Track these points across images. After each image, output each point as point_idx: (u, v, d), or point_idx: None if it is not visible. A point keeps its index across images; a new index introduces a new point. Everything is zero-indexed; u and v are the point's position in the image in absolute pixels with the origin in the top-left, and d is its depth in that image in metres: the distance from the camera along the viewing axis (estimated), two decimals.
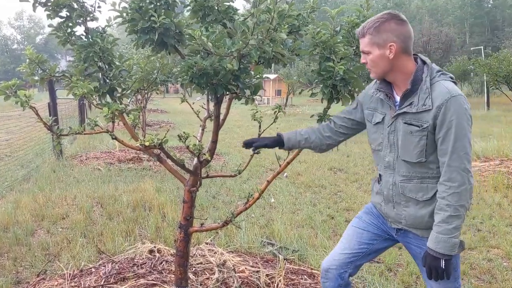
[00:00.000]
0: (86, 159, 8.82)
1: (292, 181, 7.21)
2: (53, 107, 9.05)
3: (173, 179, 7.12)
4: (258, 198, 2.70)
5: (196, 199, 2.77)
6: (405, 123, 2.01)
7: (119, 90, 2.69)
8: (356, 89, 2.34)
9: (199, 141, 2.88)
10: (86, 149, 10.02)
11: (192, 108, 3.15)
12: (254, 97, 2.49)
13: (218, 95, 2.38)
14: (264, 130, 2.70)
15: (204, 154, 2.46)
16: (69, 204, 5.70)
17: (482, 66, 8.82)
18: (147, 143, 2.40)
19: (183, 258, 2.81)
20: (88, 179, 7.01)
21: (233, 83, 2.33)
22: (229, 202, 5.94)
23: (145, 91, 2.80)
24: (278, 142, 2.40)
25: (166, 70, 2.71)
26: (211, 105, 3.11)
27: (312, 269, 3.72)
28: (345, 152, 9.65)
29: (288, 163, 2.65)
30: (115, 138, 2.41)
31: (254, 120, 2.67)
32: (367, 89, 2.22)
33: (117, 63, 2.67)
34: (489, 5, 59.74)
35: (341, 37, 2.17)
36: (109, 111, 2.32)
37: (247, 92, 2.43)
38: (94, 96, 2.43)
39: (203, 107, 3.19)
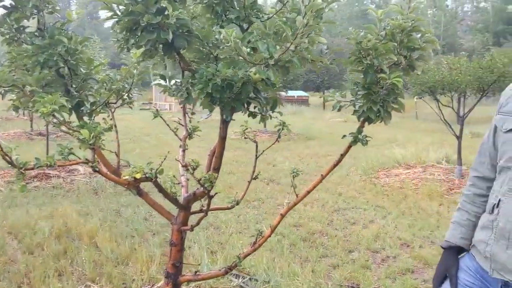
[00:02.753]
0: None
1: (226, 195, 6.73)
2: None
3: (93, 198, 6.30)
4: (269, 236, 2.23)
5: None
6: None
7: (88, 104, 2.06)
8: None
9: (183, 165, 2.34)
10: None
11: (168, 125, 2.59)
12: (270, 113, 2.03)
13: (240, 111, 1.87)
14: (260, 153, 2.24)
15: (212, 185, 1.93)
16: None
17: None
18: (137, 175, 1.82)
19: None
20: None
21: (253, 96, 1.85)
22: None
23: (115, 104, 2.20)
24: (458, 253, 1.85)
25: (141, 78, 2.14)
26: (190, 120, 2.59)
27: None
28: (270, 162, 9.38)
29: (309, 192, 2.21)
30: (99, 171, 1.78)
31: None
32: (506, 90, 1.73)
33: (82, 69, 2.05)
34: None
35: (395, 44, 1.78)
36: (91, 135, 1.70)
37: (267, 107, 1.97)
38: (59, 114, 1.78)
39: (180, 123, 2.64)
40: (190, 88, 1.84)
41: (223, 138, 2.04)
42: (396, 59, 1.78)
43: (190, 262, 4.03)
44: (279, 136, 2.41)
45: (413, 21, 1.84)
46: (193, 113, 2.71)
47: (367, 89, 1.82)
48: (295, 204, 2.22)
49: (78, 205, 5.93)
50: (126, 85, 2.22)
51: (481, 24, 46.73)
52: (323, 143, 12.55)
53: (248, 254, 2.24)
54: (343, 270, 4.01)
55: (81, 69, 2.03)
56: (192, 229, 2.15)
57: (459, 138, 7.58)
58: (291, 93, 29.68)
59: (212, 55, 1.88)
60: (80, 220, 5.13)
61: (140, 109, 23.92)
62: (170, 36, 1.59)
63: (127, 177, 1.83)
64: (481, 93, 7.26)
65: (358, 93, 1.86)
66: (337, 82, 33.90)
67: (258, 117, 2.01)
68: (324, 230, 5.21)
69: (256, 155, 2.44)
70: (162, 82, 2.07)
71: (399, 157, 8.82)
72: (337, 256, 4.38)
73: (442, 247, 1.87)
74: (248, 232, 5.06)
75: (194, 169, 1.83)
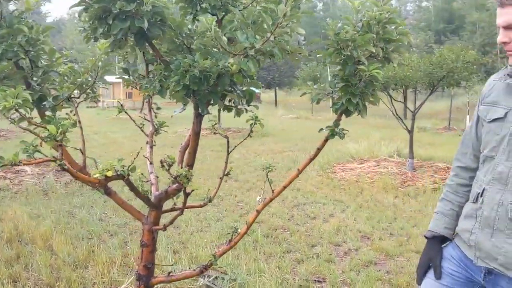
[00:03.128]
0: None
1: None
2: None
3: (44, 200, 6.02)
4: (245, 233, 2.17)
5: None
6: None
7: (50, 98, 1.93)
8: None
9: (148, 163, 2.26)
10: None
11: (134, 121, 2.47)
12: (247, 107, 1.98)
13: (217, 106, 1.80)
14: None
15: (189, 182, 1.85)
16: None
17: None
18: (109, 173, 1.72)
19: None
20: None
21: (230, 89, 1.79)
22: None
23: (78, 98, 2.07)
24: (441, 242, 1.86)
25: (107, 71, 2.02)
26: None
27: None
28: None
29: (285, 187, 2.17)
30: (68, 170, 1.66)
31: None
32: (488, 81, 1.75)
33: (43, 61, 1.92)
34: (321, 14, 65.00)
35: (373, 35, 1.77)
36: (59, 131, 1.59)
37: (243, 101, 1.91)
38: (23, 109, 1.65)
39: (145, 119, 2.53)
40: (164, 80, 1.75)
41: (197, 133, 1.97)
42: (374, 51, 1.77)
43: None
44: (251, 131, 2.35)
45: (388, 13, 1.83)
46: (158, 108, 2.61)
47: (345, 81, 1.80)
48: (271, 199, 2.17)
49: (28, 207, 5.64)
50: (90, 79, 2.10)
51: (423, 23, 48.45)
52: (277, 139, 12.60)
53: (224, 252, 2.18)
54: (308, 264, 4.01)
55: (42, 61, 1.90)
56: (165, 229, 2.06)
57: (410, 132, 7.81)
58: None
59: (185, 46, 1.81)
60: (31, 223, 4.86)
61: (87, 106, 23.16)
62: (146, 25, 1.50)
63: (97, 175, 1.72)
64: (431, 89, 7.51)
65: (337, 85, 1.83)
66: (288, 79, 34.21)
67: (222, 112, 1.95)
68: (285, 226, 5.20)
69: (227, 151, 2.37)
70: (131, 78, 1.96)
71: (353, 151, 8.99)
72: (300, 251, 4.39)
73: (426, 237, 1.88)
74: (209, 230, 4.98)
75: (170, 166, 1.75)
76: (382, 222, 5.34)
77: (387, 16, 1.80)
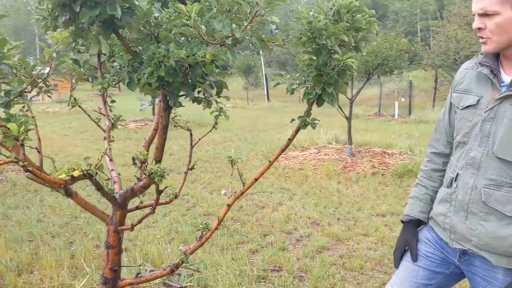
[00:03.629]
0: None
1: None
2: None
3: None
4: (216, 228, 2.12)
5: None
6: None
7: (2, 94, 1.76)
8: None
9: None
10: None
11: (89, 115, 2.33)
12: (217, 98, 1.91)
13: (189, 98, 1.72)
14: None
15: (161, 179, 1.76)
16: None
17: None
18: (76, 173, 1.60)
19: None
20: None
21: (201, 80, 1.72)
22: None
23: (29, 93, 1.89)
24: (417, 226, 1.91)
25: (62, 63, 1.86)
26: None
27: None
28: (166, 151, 9.09)
29: (256, 180, 2.13)
30: (32, 171, 1.52)
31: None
32: (460, 69, 1.79)
33: None
34: None
35: (347, 23, 1.75)
36: (20, 130, 1.45)
37: (212, 92, 1.85)
38: None
39: (100, 113, 2.39)
40: (133, 72, 1.64)
41: (165, 127, 1.88)
42: (347, 40, 1.76)
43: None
44: (216, 123, 2.29)
45: (357, 1, 1.83)
46: (113, 101, 2.48)
47: (319, 70, 1.78)
48: (242, 193, 2.13)
49: None
50: (44, 71, 1.93)
51: None
52: (217, 129, 12.48)
53: (195, 249, 2.11)
54: (263, 254, 4.01)
55: None
56: (132, 229, 1.96)
57: (349, 119, 8.02)
58: None
59: (153, 36, 1.71)
60: None
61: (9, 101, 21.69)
62: (119, 12, 1.39)
63: (63, 175, 1.59)
64: (367, 76, 7.74)
65: (310, 74, 1.81)
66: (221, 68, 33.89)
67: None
68: (235, 217, 5.18)
69: (191, 145, 2.30)
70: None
71: (294, 140, 9.08)
72: (254, 241, 4.38)
73: (402, 221, 1.92)
74: (157, 226, 4.85)
75: (142, 162, 1.65)
76: (328, 207, 5.45)
77: (357, 4, 1.80)
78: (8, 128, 1.47)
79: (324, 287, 3.39)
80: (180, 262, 2.04)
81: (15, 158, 1.48)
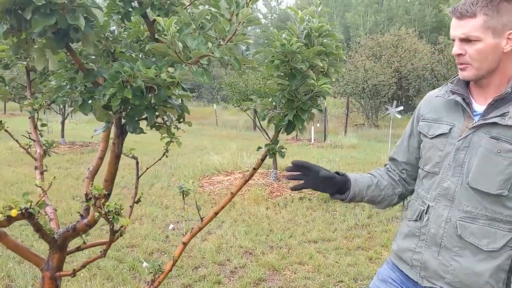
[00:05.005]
0: None
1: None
2: None
3: None
4: (170, 270, 1.88)
5: None
6: (491, 137, 1.48)
7: None
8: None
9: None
10: None
11: (16, 140, 2.01)
12: (177, 124, 1.72)
13: (148, 124, 1.50)
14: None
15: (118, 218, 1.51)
16: None
17: (228, 85, 9.28)
18: (13, 213, 1.32)
19: None
20: None
21: (164, 104, 1.52)
22: None
23: None
24: (342, 183, 1.71)
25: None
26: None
27: None
28: (78, 177, 8.49)
29: (216, 214, 1.93)
30: None
31: None
32: (427, 96, 1.73)
33: None
34: None
35: (323, 48, 1.64)
36: None
37: (173, 117, 1.65)
38: None
39: (30, 138, 2.08)
40: (85, 92, 1.40)
41: (117, 156, 1.63)
42: (321, 65, 1.65)
43: None
44: (166, 150, 2.09)
45: (327, 25, 1.74)
46: (44, 125, 2.17)
47: (292, 96, 1.65)
48: (200, 229, 1.92)
49: None
50: None
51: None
52: (133, 153, 11.95)
53: None
54: None
55: None
56: (74, 274, 1.67)
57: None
58: None
59: (110, 52, 1.49)
60: None
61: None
62: (82, 22, 1.16)
63: None
64: None
65: (282, 100, 1.68)
66: None
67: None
68: (162, 248, 4.86)
69: (137, 174, 2.06)
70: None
71: (217, 164, 8.91)
72: (185, 275, 4.11)
73: (338, 173, 1.77)
74: (75, 261, 4.40)
75: (97, 199, 1.39)
76: (260, 235, 5.31)
77: (329, 28, 1.71)
78: None
79: None
80: None
81: None
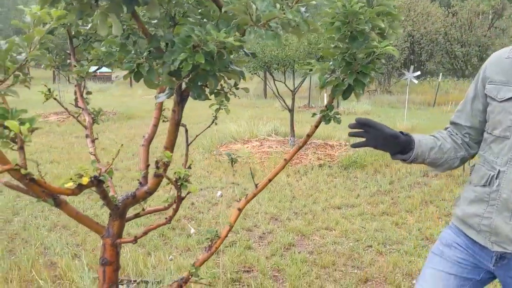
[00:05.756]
0: None
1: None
2: None
3: None
4: (226, 236, 1.89)
5: None
6: None
7: None
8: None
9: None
10: None
11: (66, 109, 2.00)
12: (235, 90, 1.69)
13: (211, 90, 1.48)
14: None
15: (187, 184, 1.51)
16: None
17: None
18: (85, 181, 1.31)
19: None
20: None
21: (227, 69, 1.49)
22: None
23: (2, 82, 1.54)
24: (405, 142, 1.63)
25: (45, 46, 1.53)
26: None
27: None
28: (96, 145, 8.52)
29: (270, 180, 1.92)
30: (36, 180, 1.21)
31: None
32: (494, 58, 1.64)
33: None
34: None
35: (385, 7, 1.59)
36: (24, 129, 1.14)
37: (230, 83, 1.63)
38: None
39: (77, 105, 2.06)
40: (151, 58, 1.37)
41: (177, 124, 1.62)
42: (383, 26, 1.61)
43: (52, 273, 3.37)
44: (215, 117, 2.08)
45: None
46: (89, 93, 2.15)
47: (352, 59, 1.61)
48: (255, 195, 1.91)
49: None
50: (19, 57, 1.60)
51: None
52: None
53: (205, 261, 1.87)
54: (229, 254, 3.81)
55: None
56: (135, 241, 1.68)
57: (291, 111, 7.97)
58: (93, 69, 27.72)
59: (171, 16, 1.45)
60: None
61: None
62: None
63: (70, 184, 1.30)
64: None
65: (341, 64, 1.64)
66: None
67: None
68: (188, 215, 4.91)
69: (187, 142, 2.07)
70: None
71: (234, 132, 8.91)
72: None
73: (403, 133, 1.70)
74: None
75: (166, 166, 1.39)
76: (283, 201, 5.34)
77: None
78: (5, 127, 1.15)
79: (301, 287, 3.26)
80: (188, 276, 1.79)
81: (17, 164, 1.17)
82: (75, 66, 2.03)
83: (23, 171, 1.18)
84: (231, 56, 1.54)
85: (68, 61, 2.14)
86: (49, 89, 1.92)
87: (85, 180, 1.31)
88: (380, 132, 1.62)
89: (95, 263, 3.55)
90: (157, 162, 1.41)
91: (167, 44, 1.47)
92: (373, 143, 1.64)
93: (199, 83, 1.43)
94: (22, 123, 1.15)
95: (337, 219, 4.70)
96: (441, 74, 15.90)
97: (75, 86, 2.05)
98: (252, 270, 3.56)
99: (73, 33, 2.05)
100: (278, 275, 3.49)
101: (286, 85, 7.79)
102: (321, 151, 7.62)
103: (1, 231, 4.33)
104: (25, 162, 1.21)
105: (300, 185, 6.05)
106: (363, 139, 1.66)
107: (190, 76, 1.40)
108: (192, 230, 4.39)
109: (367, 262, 3.69)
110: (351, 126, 1.67)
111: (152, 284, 3.22)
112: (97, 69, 2.11)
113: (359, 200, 5.37)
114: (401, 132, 1.67)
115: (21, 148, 1.20)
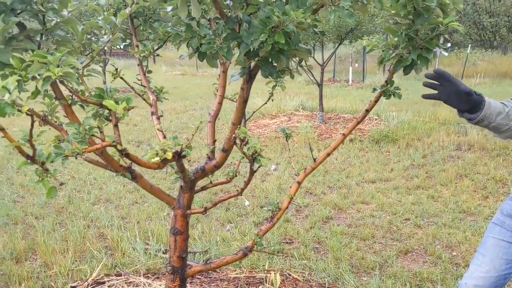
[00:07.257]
0: None
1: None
2: None
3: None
4: (287, 207, 1.98)
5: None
6: None
7: None
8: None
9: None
10: None
11: (132, 88, 2.09)
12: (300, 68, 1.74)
13: (281, 67, 1.53)
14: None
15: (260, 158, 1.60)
16: None
17: None
18: (169, 155, 1.40)
19: None
20: None
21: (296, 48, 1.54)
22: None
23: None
24: (476, 102, 1.58)
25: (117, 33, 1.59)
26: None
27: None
28: (128, 122, 8.70)
29: (328, 154, 1.99)
30: (129, 156, 1.30)
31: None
32: None
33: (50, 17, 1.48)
34: None
35: None
36: (121, 108, 1.22)
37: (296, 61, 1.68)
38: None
39: (141, 84, 2.15)
40: (229, 39, 1.43)
41: (245, 101, 1.69)
42: (448, 2, 1.63)
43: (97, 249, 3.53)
44: (272, 94, 2.14)
45: None
46: (149, 71, 2.23)
47: (415, 34, 1.65)
48: (313, 169, 1.99)
49: None
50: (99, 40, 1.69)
51: None
52: (174, 98, 12.08)
53: (267, 231, 1.97)
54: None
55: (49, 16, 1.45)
56: (205, 212, 1.78)
57: (320, 85, 7.97)
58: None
59: None
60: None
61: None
62: None
63: (156, 159, 1.38)
64: (339, 41, 7.68)
65: (405, 39, 1.67)
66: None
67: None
68: (225, 188, 5.02)
69: (245, 118, 2.12)
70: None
71: (262, 107, 8.94)
72: (253, 213, 4.27)
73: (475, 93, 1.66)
74: (147, 201, 4.61)
75: (243, 142, 1.47)
76: (316, 176, 5.41)
77: None
78: (102, 106, 1.23)
79: (343, 258, 3.35)
80: (253, 245, 1.89)
81: (114, 141, 1.25)
82: (137, 46, 2.10)
83: (119, 147, 1.27)
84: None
85: (128, 40, 2.21)
86: (116, 69, 2.00)
87: (169, 155, 1.40)
88: (455, 86, 1.57)
89: (142, 234, 3.70)
90: (234, 138, 1.48)
91: (239, 24, 1.52)
92: (445, 97, 1.59)
93: (271, 62, 1.48)
94: (117, 102, 1.23)
95: (372, 193, 4.76)
96: (469, 45, 15.55)
97: (138, 65, 2.12)
98: (293, 242, 3.67)
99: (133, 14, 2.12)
100: (319, 247, 3.58)
101: (314, 59, 7.76)
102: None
103: (48, 205, 4.51)
104: (120, 139, 1.30)
105: (332, 159, 6.10)
106: (435, 92, 1.62)
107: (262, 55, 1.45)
108: (247, 202, 4.51)
109: (406, 234, 3.75)
110: (428, 76, 1.61)
111: (200, 254, 3.35)
112: (158, 48, 2.18)
113: (393, 174, 5.41)
114: (474, 92, 1.64)
115: (116, 126, 1.28)
